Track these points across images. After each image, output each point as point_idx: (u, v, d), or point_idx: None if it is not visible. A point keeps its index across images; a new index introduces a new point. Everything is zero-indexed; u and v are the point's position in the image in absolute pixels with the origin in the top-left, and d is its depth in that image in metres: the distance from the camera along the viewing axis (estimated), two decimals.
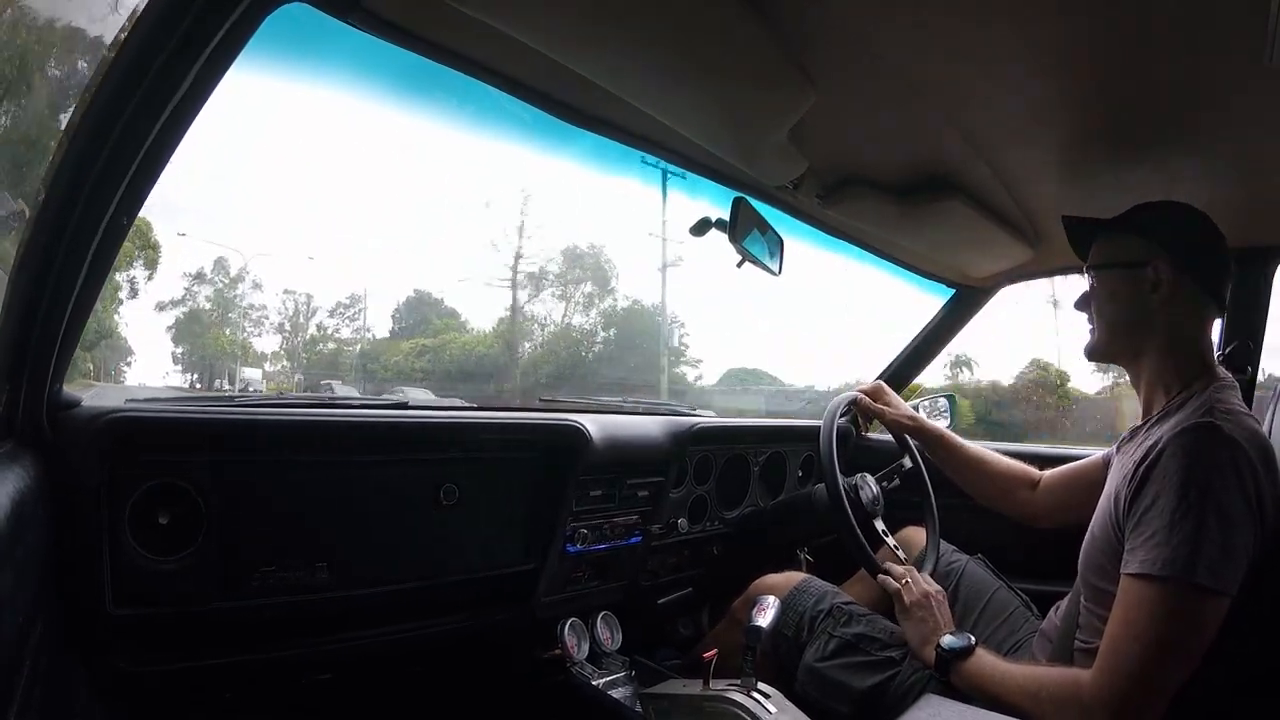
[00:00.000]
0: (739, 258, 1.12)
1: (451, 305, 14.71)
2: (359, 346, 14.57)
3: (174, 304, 13.19)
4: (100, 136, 0.57)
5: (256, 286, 13.82)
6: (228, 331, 13.54)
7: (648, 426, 1.32)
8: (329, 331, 14.62)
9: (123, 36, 0.54)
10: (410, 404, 1.12)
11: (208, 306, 13.54)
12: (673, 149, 1.05)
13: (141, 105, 0.56)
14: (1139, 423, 0.95)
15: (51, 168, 0.61)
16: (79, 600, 0.77)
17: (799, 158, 1.03)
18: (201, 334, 13.24)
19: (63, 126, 0.61)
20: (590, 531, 1.21)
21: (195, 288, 13.28)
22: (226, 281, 13.57)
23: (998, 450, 1.32)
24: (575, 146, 0.98)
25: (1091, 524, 0.92)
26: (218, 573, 0.85)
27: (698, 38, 0.74)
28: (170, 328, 13.22)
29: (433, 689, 1.23)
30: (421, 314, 14.58)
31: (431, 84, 0.82)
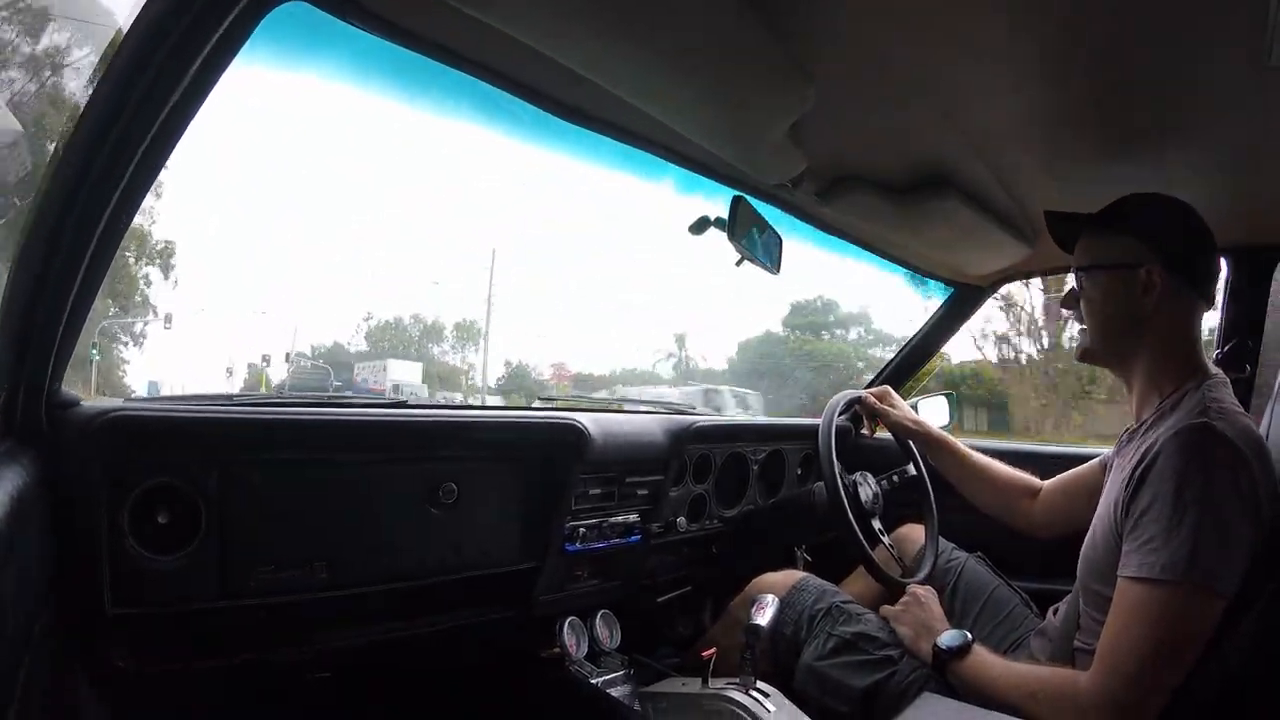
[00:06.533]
0: (738, 256, 1.12)
1: None
2: None
3: None
4: (99, 135, 0.57)
5: None
6: None
7: (647, 425, 1.32)
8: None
9: (121, 36, 0.54)
10: (409, 403, 1.11)
11: None
12: (671, 147, 1.05)
13: (140, 104, 0.56)
14: (1134, 425, 0.95)
15: (51, 166, 0.61)
16: (78, 598, 0.77)
17: (798, 156, 1.03)
18: None
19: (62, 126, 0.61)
20: (589, 530, 1.21)
21: None
22: None
23: (997, 449, 1.32)
24: (573, 144, 0.98)
25: (1092, 529, 0.92)
26: (217, 572, 0.85)
27: (696, 36, 0.74)
28: None
29: (431, 687, 1.23)
30: None
31: (430, 82, 0.82)
